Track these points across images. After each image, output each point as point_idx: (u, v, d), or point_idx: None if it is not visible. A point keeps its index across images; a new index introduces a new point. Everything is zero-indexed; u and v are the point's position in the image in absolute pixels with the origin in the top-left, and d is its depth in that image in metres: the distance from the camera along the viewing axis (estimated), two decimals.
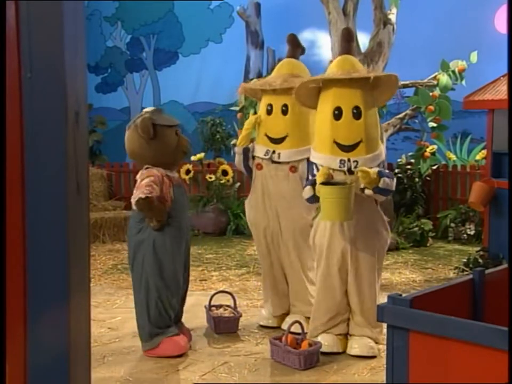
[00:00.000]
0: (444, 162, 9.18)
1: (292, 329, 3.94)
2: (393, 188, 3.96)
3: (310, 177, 4.07)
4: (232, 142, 4.77)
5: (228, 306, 4.65)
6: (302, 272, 4.44)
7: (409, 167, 8.34)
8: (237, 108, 8.25)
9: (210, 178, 8.49)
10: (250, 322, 4.69)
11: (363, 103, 3.91)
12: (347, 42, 4.14)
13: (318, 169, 3.97)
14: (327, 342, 4.01)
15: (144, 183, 3.85)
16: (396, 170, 8.33)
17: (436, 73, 6.99)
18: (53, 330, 1.68)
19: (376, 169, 3.85)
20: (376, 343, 4.05)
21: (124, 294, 5.49)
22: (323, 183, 3.82)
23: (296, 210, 4.34)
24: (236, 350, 4.15)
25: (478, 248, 6.41)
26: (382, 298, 3.99)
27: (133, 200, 3.86)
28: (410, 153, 8.04)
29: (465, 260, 6.35)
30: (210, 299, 4.67)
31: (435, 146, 7.78)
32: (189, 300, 4.34)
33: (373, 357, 3.96)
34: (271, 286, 4.59)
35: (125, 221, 8.01)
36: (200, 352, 4.10)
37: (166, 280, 3.97)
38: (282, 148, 4.37)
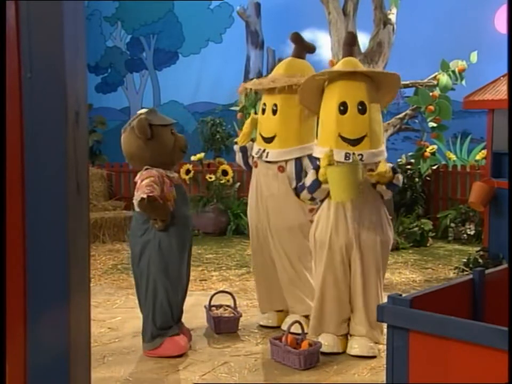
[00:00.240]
0: (443, 162, 9.18)
1: (292, 329, 3.94)
2: (401, 184, 4.11)
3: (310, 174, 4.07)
4: (234, 140, 4.84)
5: (227, 306, 4.66)
6: (293, 270, 4.45)
7: (409, 167, 8.34)
8: (237, 108, 8.24)
9: (210, 178, 8.49)
10: (250, 322, 4.69)
11: (368, 99, 3.95)
12: (350, 46, 4.21)
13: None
14: (327, 342, 4.01)
15: (145, 183, 3.85)
16: None
17: (436, 73, 6.99)
18: (53, 330, 1.68)
19: (389, 166, 3.93)
20: (376, 343, 4.05)
21: (124, 294, 5.49)
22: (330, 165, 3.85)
23: (285, 209, 4.38)
24: (235, 350, 4.15)
25: (478, 248, 6.41)
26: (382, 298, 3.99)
27: (135, 201, 3.85)
28: (410, 153, 8.03)
29: (465, 260, 6.35)
30: (210, 299, 4.67)
31: (435, 146, 7.78)
32: (189, 300, 4.34)
33: (373, 357, 3.96)
34: (261, 283, 4.62)
35: (125, 221, 8.02)
36: (200, 352, 4.10)
37: (172, 280, 3.98)
38: (271, 147, 4.41)
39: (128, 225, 7.92)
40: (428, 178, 8.67)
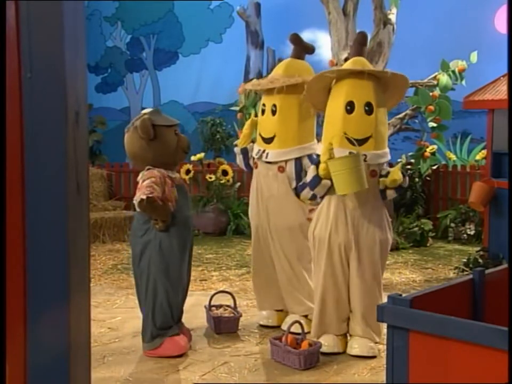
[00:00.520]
0: (443, 162, 9.19)
1: (292, 329, 3.94)
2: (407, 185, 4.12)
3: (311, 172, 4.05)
4: (234, 143, 4.82)
5: (228, 306, 4.66)
6: (292, 271, 4.45)
7: (409, 167, 8.34)
8: (237, 108, 8.25)
9: (210, 178, 8.49)
10: (250, 322, 4.69)
11: (375, 100, 3.95)
12: (361, 46, 4.19)
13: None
14: (327, 342, 4.01)
15: (145, 184, 3.85)
16: None
17: (436, 73, 7.00)
18: (53, 330, 1.68)
19: (398, 168, 3.93)
20: (376, 343, 4.05)
21: (124, 294, 5.49)
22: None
23: (285, 209, 4.38)
24: (236, 350, 4.15)
25: (478, 248, 6.41)
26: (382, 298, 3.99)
27: (135, 201, 3.85)
28: (410, 153, 8.04)
29: (465, 260, 6.35)
30: (210, 299, 4.67)
31: (435, 146, 7.78)
32: (189, 300, 4.34)
33: (373, 357, 3.96)
34: (260, 282, 4.62)
35: (125, 221, 8.01)
36: (200, 352, 4.10)
37: (172, 281, 3.98)
38: (271, 147, 4.42)
39: (128, 225, 7.93)
40: (428, 178, 8.67)
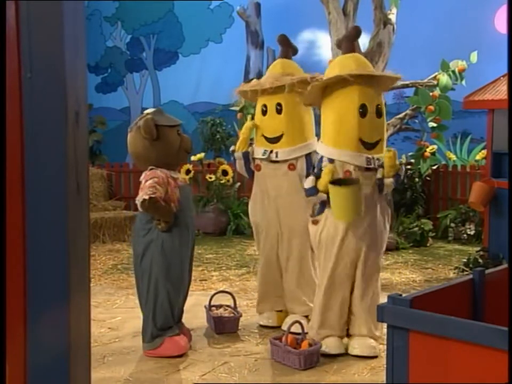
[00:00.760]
0: (444, 162, 9.19)
1: (292, 329, 3.94)
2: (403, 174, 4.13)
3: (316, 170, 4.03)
4: (231, 149, 4.74)
5: (228, 306, 4.65)
6: (300, 271, 4.44)
7: (409, 167, 8.33)
8: (237, 108, 8.25)
9: (210, 178, 8.49)
10: (250, 322, 4.69)
11: (382, 102, 3.96)
12: (354, 40, 4.12)
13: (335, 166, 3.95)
14: (326, 344, 3.99)
15: (148, 184, 3.84)
16: None
17: (436, 73, 6.99)
18: (53, 330, 1.68)
19: (390, 155, 3.92)
20: (382, 344, 4.04)
21: (124, 294, 5.49)
22: (333, 182, 3.81)
23: (297, 208, 4.35)
24: (236, 350, 4.15)
25: (478, 248, 6.41)
26: (382, 298, 3.99)
27: (138, 201, 3.85)
28: (410, 153, 8.03)
29: (465, 260, 6.35)
30: (210, 299, 4.67)
31: (435, 146, 7.78)
32: (189, 300, 4.34)
33: (373, 357, 3.95)
34: (267, 284, 4.59)
35: (125, 221, 8.01)
36: (200, 352, 4.10)
37: (174, 281, 3.98)
38: (279, 146, 4.40)
39: (128, 225, 7.93)
40: (428, 178, 8.67)
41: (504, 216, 5.69)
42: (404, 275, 6.27)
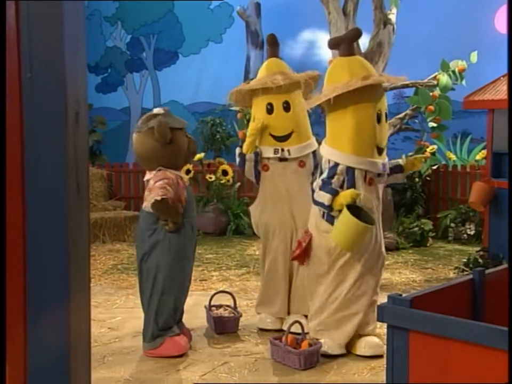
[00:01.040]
0: (444, 162, 9.19)
1: (292, 329, 3.94)
2: None
3: (346, 183, 3.88)
4: (237, 151, 4.59)
5: (228, 306, 4.65)
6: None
7: None
8: (237, 108, 8.24)
9: (210, 178, 8.49)
10: (250, 322, 4.69)
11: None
12: (355, 41, 4.12)
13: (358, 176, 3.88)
14: (327, 345, 3.98)
15: (158, 185, 3.83)
16: None
17: (436, 73, 6.99)
18: (53, 330, 1.68)
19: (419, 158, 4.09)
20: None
21: (124, 294, 5.49)
22: (349, 206, 3.72)
23: (309, 203, 4.32)
24: (236, 350, 4.15)
25: (478, 248, 6.42)
26: (382, 298, 3.99)
27: (148, 202, 3.84)
28: (410, 153, 8.02)
29: (465, 260, 6.35)
30: (210, 299, 4.67)
31: (435, 146, 7.78)
32: (189, 300, 4.35)
33: (374, 357, 3.95)
34: (272, 287, 4.55)
35: (125, 221, 8.01)
36: (200, 352, 4.11)
37: (179, 281, 3.99)
38: (289, 144, 4.42)
39: (128, 225, 7.94)
40: (428, 178, 8.67)
41: (504, 216, 5.69)
42: (404, 275, 6.28)
